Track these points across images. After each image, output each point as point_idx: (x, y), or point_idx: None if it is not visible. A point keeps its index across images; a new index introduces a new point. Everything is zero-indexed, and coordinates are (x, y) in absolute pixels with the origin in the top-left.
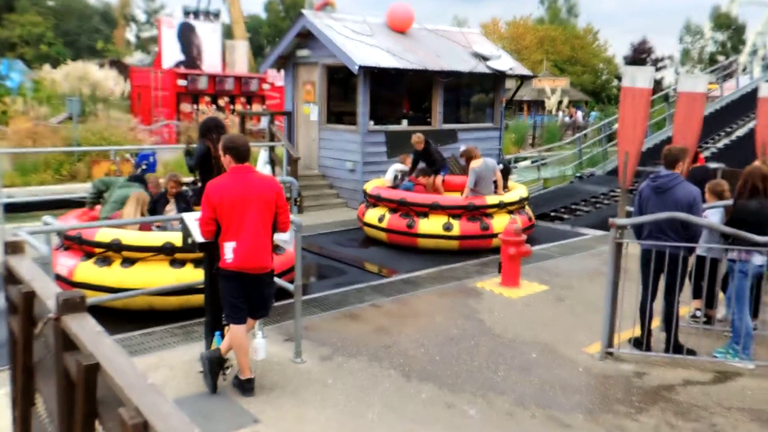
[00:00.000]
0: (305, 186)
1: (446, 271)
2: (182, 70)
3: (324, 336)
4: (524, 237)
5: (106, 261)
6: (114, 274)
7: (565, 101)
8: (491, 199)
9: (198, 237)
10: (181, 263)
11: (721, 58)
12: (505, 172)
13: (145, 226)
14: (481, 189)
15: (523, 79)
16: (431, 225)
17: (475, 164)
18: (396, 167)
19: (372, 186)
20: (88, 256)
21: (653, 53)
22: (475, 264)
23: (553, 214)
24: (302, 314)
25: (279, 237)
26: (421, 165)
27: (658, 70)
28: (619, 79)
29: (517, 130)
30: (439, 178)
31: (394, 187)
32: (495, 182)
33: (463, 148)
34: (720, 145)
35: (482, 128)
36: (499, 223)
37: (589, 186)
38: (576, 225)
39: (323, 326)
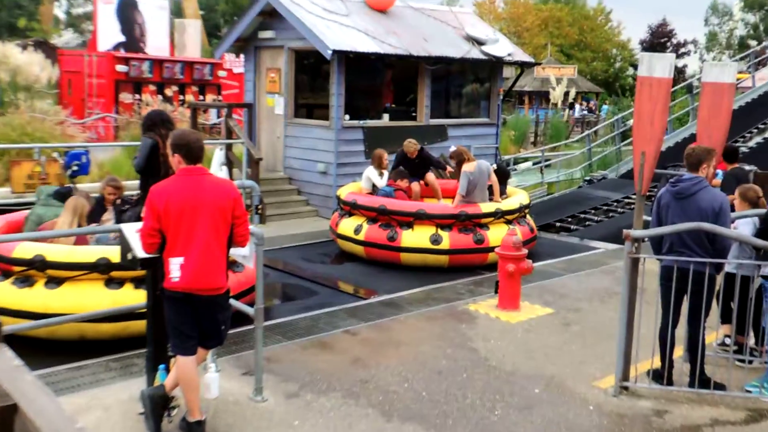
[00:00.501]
0: (268, 191)
1: (434, 292)
2: (122, 53)
3: (289, 369)
4: (525, 251)
5: (27, 281)
6: (37, 297)
7: (573, 92)
8: (486, 207)
9: (139, 251)
10: (119, 283)
11: (752, 42)
12: (503, 176)
13: (81, 239)
14: (475, 196)
15: (523, 67)
16: (416, 237)
17: (467, 167)
18: (370, 173)
19: (347, 191)
20: (6, 275)
21: (674, 37)
22: (467, 283)
23: (558, 224)
24: (264, 343)
25: (236, 252)
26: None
27: (679, 56)
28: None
29: (517, 127)
30: (416, 184)
31: (372, 193)
32: (491, 187)
33: (452, 148)
34: (752, 143)
35: (476, 124)
36: (496, 234)
37: (601, 191)
38: (585, 237)
39: (289, 357)
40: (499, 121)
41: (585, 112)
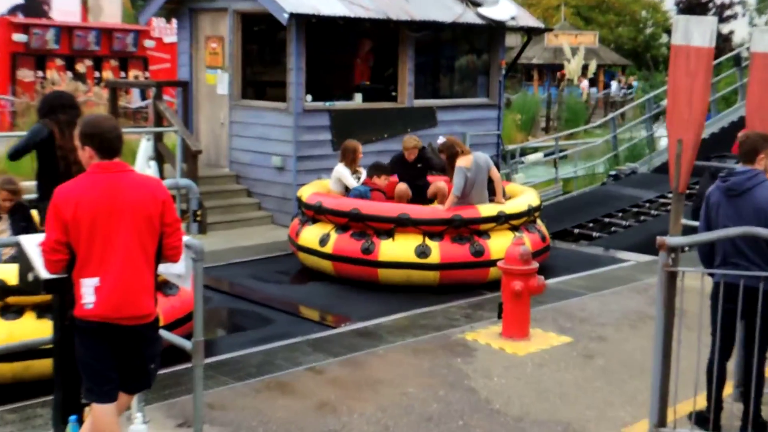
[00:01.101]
0: (210, 193)
1: (421, 317)
2: (20, 18)
3: (238, 418)
4: (536, 265)
5: None
6: None
7: (593, 66)
8: (486, 210)
9: (42, 271)
10: (17, 312)
11: None
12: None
13: None
14: (471, 197)
15: (531, 34)
16: (399, 249)
17: (462, 162)
18: (340, 172)
19: (310, 192)
20: None
21: None
22: (463, 306)
23: (577, 231)
24: (205, 385)
25: (168, 269)
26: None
27: (723, 21)
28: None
29: (525, 108)
30: (402, 185)
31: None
32: (491, 185)
33: (441, 139)
34: None
35: (472, 106)
36: (499, 245)
37: (630, 189)
38: (611, 247)
39: (237, 403)
40: (501, 102)
41: (623, 90)
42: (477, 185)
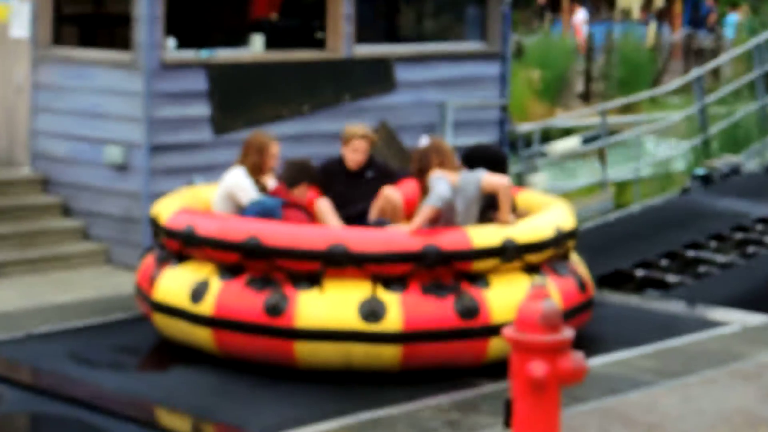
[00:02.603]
0: None
1: (371, 428)
2: None
3: None
4: (569, 334)
5: None
6: None
7: None
8: (483, 237)
9: None
10: None
11: None
12: (494, 163)
13: None
14: (455, 216)
15: None
16: (330, 307)
17: (444, 176)
18: (236, 184)
19: (174, 208)
20: None
21: None
22: (444, 407)
23: (641, 273)
24: None
25: None
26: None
27: None
28: None
29: (549, 60)
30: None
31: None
32: (491, 201)
33: (425, 140)
34: None
35: (456, 56)
36: (505, 298)
37: (729, 201)
38: (698, 300)
39: None
40: (507, 50)
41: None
42: (461, 214)
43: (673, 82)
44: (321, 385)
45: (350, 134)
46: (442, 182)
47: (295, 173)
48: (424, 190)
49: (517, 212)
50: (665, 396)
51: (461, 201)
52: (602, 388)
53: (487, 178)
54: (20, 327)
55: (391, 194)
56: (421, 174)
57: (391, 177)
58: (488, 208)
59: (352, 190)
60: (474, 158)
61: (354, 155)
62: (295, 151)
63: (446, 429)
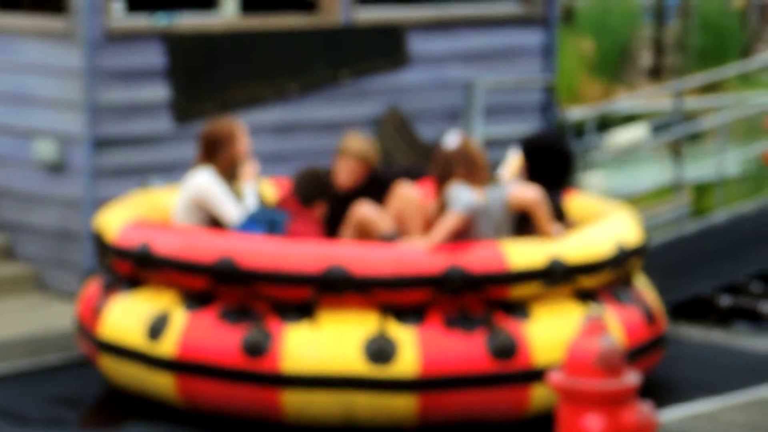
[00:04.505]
0: None
1: None
2: None
3: None
4: (633, 379)
5: None
6: None
7: None
8: (522, 256)
9: None
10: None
11: None
12: (558, 159)
13: None
14: (479, 233)
15: None
16: (326, 345)
17: (469, 191)
18: (205, 186)
19: (124, 220)
20: None
21: None
22: None
23: (725, 299)
24: None
25: None
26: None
27: None
28: None
29: (606, 27)
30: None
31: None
32: (525, 218)
33: (453, 138)
34: None
35: (487, 21)
36: (550, 332)
37: None
38: None
39: None
40: (553, 14)
41: None
42: (487, 225)
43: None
44: None
45: (345, 153)
46: (467, 192)
47: (313, 188)
48: (441, 205)
49: (567, 222)
50: None
51: (487, 224)
52: None
53: (514, 193)
54: None
55: (408, 193)
56: (441, 182)
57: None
58: (524, 221)
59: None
60: (536, 152)
61: (344, 174)
62: (280, 145)
63: None
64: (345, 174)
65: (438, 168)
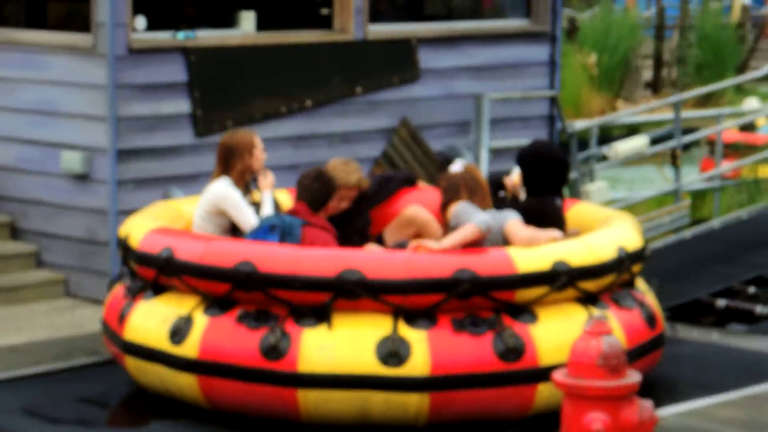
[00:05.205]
0: None
1: None
2: None
3: None
4: (636, 378)
5: None
6: None
7: None
8: (529, 260)
9: None
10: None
11: None
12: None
13: None
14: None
15: None
16: (341, 347)
17: (469, 212)
18: (223, 195)
19: (147, 229)
20: None
21: None
22: None
23: (722, 302)
24: None
25: None
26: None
27: None
28: None
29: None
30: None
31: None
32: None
33: (458, 165)
34: None
35: (496, 36)
36: (555, 334)
37: None
38: None
39: None
40: (557, 29)
41: None
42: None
43: (765, 67)
44: None
45: (339, 175)
46: (480, 212)
47: (322, 191)
48: (445, 225)
49: (567, 231)
50: None
51: (487, 245)
52: None
53: (511, 228)
54: None
55: (416, 213)
56: (446, 206)
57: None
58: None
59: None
60: (530, 161)
61: (340, 204)
62: (295, 157)
63: None
64: (344, 196)
65: (444, 192)
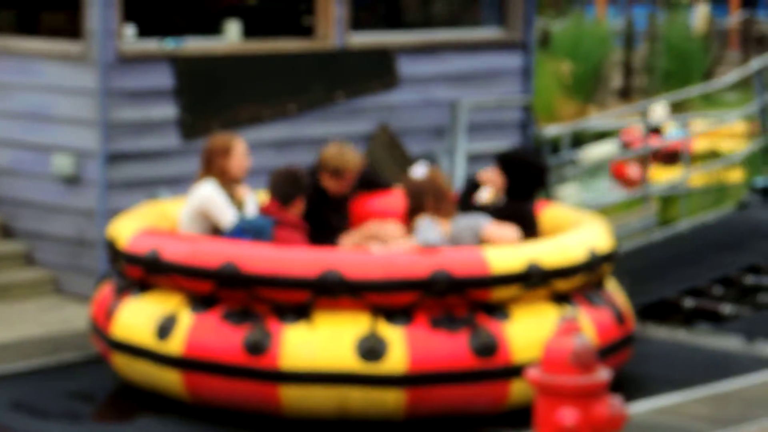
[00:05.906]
0: None
1: None
2: None
3: None
4: (605, 375)
5: None
6: None
7: None
8: (503, 260)
9: None
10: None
11: None
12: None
13: None
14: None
15: None
16: (321, 344)
17: (434, 224)
18: (206, 197)
19: (135, 229)
20: None
21: None
22: None
23: (689, 301)
24: None
25: None
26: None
27: None
28: None
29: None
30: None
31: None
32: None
33: (421, 169)
34: None
35: (471, 45)
36: (528, 332)
37: None
38: (757, 334)
39: None
40: (530, 38)
41: None
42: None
43: (729, 76)
44: None
45: (330, 160)
46: (432, 230)
47: (290, 187)
48: (409, 228)
49: (540, 233)
50: None
51: (465, 234)
52: None
53: (489, 233)
54: None
55: (386, 230)
56: (412, 214)
57: (372, 186)
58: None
59: (335, 216)
60: (512, 166)
61: (334, 181)
62: (278, 160)
63: None
64: (341, 181)
65: (410, 199)
